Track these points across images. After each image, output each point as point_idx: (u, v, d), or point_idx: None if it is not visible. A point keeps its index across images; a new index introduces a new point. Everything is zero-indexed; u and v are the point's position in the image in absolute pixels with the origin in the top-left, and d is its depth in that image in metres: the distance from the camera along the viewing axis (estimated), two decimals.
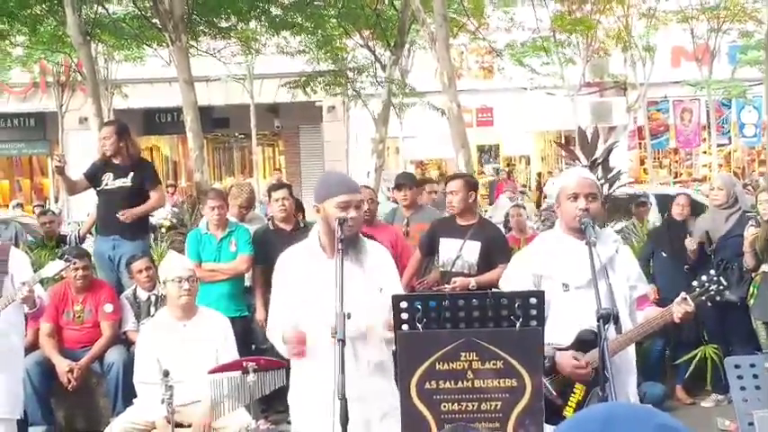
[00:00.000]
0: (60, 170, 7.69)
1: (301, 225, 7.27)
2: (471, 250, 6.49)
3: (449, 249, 6.59)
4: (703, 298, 3.86)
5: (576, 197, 3.88)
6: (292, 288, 3.98)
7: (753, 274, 6.95)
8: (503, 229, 9.69)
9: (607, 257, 3.89)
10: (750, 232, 6.84)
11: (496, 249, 6.51)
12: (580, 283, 3.80)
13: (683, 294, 3.83)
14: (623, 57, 21.40)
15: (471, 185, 6.72)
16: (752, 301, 6.95)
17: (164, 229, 10.66)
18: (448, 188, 6.77)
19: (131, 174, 7.67)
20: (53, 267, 5.49)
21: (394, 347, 3.73)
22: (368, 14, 15.15)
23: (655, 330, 3.93)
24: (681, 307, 3.78)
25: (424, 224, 7.61)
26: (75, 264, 6.51)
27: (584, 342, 3.80)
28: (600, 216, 4.03)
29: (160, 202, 8.16)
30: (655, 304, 4.17)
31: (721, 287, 3.87)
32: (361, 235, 4.06)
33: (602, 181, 9.16)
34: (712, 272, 3.96)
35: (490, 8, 19.23)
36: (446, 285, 6.38)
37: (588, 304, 3.57)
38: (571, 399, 3.86)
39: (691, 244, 7.36)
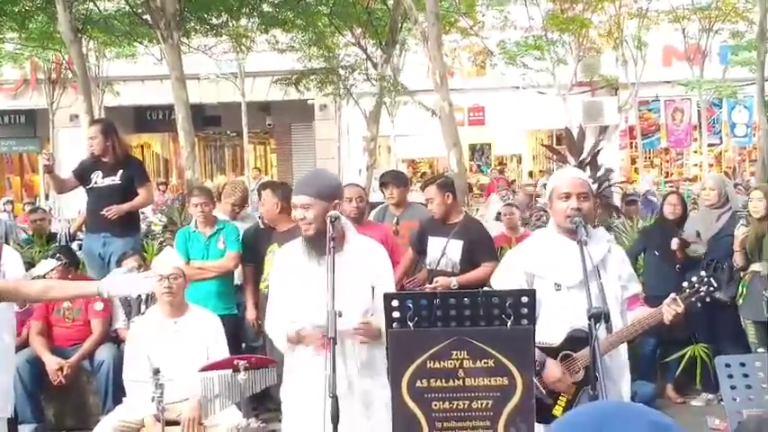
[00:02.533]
0: (49, 169, 7.66)
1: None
2: (455, 249, 6.53)
3: (435, 248, 6.64)
4: (693, 299, 3.86)
5: (567, 197, 3.89)
6: (288, 284, 4.02)
7: (741, 274, 6.97)
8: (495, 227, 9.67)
9: (600, 257, 3.89)
10: (741, 231, 6.85)
11: (479, 248, 6.54)
12: (572, 283, 3.80)
13: (672, 295, 3.84)
14: (615, 56, 21.43)
15: (445, 187, 6.76)
16: (741, 301, 6.96)
17: (155, 228, 10.64)
18: (425, 195, 6.83)
19: (120, 171, 7.66)
20: (44, 266, 5.48)
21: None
22: (359, 12, 15.13)
23: (645, 330, 3.95)
24: (671, 308, 3.79)
25: (414, 222, 7.60)
26: (66, 262, 6.51)
27: (575, 341, 3.81)
28: (592, 215, 4.03)
29: (148, 199, 8.15)
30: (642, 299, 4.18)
31: (711, 288, 3.87)
32: (349, 233, 4.07)
33: (591, 180, 9.16)
34: (703, 273, 3.95)
35: (483, 7, 19.22)
36: (427, 285, 6.41)
37: (580, 304, 3.57)
38: (561, 398, 3.87)
39: (674, 244, 7.39)
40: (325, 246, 3.84)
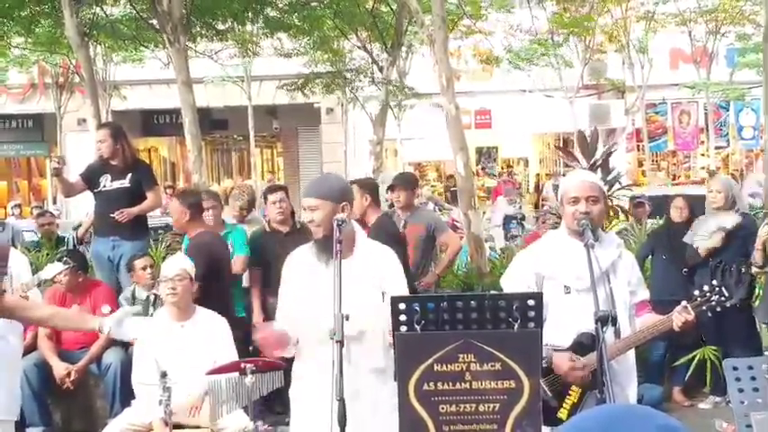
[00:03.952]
0: (58, 172, 7.66)
1: (297, 227, 7.26)
2: None
3: None
4: (704, 308, 3.86)
5: (576, 201, 3.88)
6: (297, 287, 4.02)
7: (755, 272, 6.89)
8: (502, 233, 9.63)
9: (609, 262, 3.88)
10: (765, 231, 6.73)
11: None
12: (581, 287, 3.79)
13: (683, 303, 3.84)
14: (621, 59, 21.41)
15: (365, 187, 6.85)
16: (757, 302, 6.90)
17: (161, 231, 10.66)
18: None
19: (129, 175, 7.66)
20: (52, 269, 5.49)
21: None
22: (363, 14, 15.13)
23: (654, 337, 3.94)
24: (681, 316, 3.79)
25: (421, 225, 7.60)
26: (74, 266, 6.52)
27: (583, 345, 3.81)
28: (603, 217, 4.02)
29: (157, 202, 8.16)
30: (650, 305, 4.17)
31: (723, 297, 3.86)
32: (358, 235, 4.08)
33: (602, 183, 9.14)
34: (714, 282, 3.95)
35: (488, 11, 19.20)
36: None
37: (588, 308, 3.56)
38: (566, 401, 3.86)
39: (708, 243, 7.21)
40: (329, 247, 3.86)
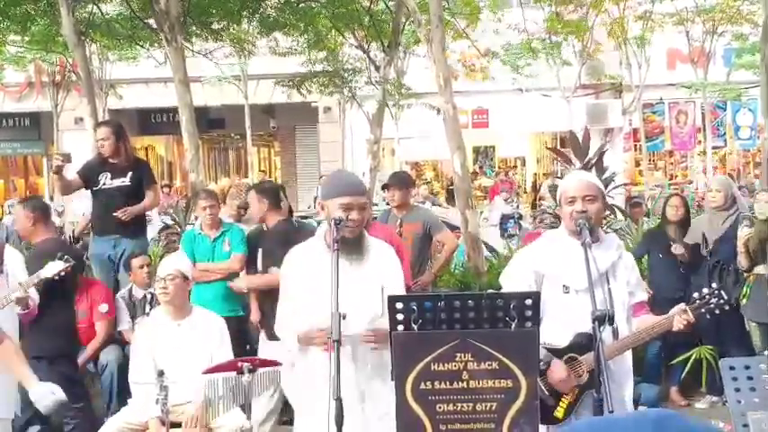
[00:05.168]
0: (59, 169, 7.62)
1: (295, 226, 7.25)
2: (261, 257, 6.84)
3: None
4: (703, 310, 3.87)
5: (573, 200, 3.89)
6: (298, 285, 4.00)
7: (746, 274, 6.92)
8: (497, 232, 9.61)
9: (609, 263, 3.89)
10: (744, 232, 6.79)
11: (268, 254, 6.54)
12: (580, 287, 3.78)
13: (682, 306, 3.84)
14: (619, 58, 21.40)
15: (263, 192, 6.89)
16: (744, 301, 6.92)
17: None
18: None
19: (130, 173, 7.64)
20: (52, 268, 5.47)
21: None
22: (361, 14, 15.11)
23: (652, 337, 3.95)
24: (681, 318, 3.80)
25: (417, 224, 7.59)
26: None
27: (581, 344, 3.81)
28: (600, 217, 4.03)
29: (156, 200, 8.17)
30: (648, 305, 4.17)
31: (722, 300, 3.87)
32: (367, 235, 4.08)
33: (600, 183, 9.15)
34: (714, 285, 3.96)
35: (484, 12, 19.18)
36: None
37: (587, 307, 3.56)
38: (563, 400, 3.86)
39: (677, 249, 7.34)
40: (361, 246, 3.90)
